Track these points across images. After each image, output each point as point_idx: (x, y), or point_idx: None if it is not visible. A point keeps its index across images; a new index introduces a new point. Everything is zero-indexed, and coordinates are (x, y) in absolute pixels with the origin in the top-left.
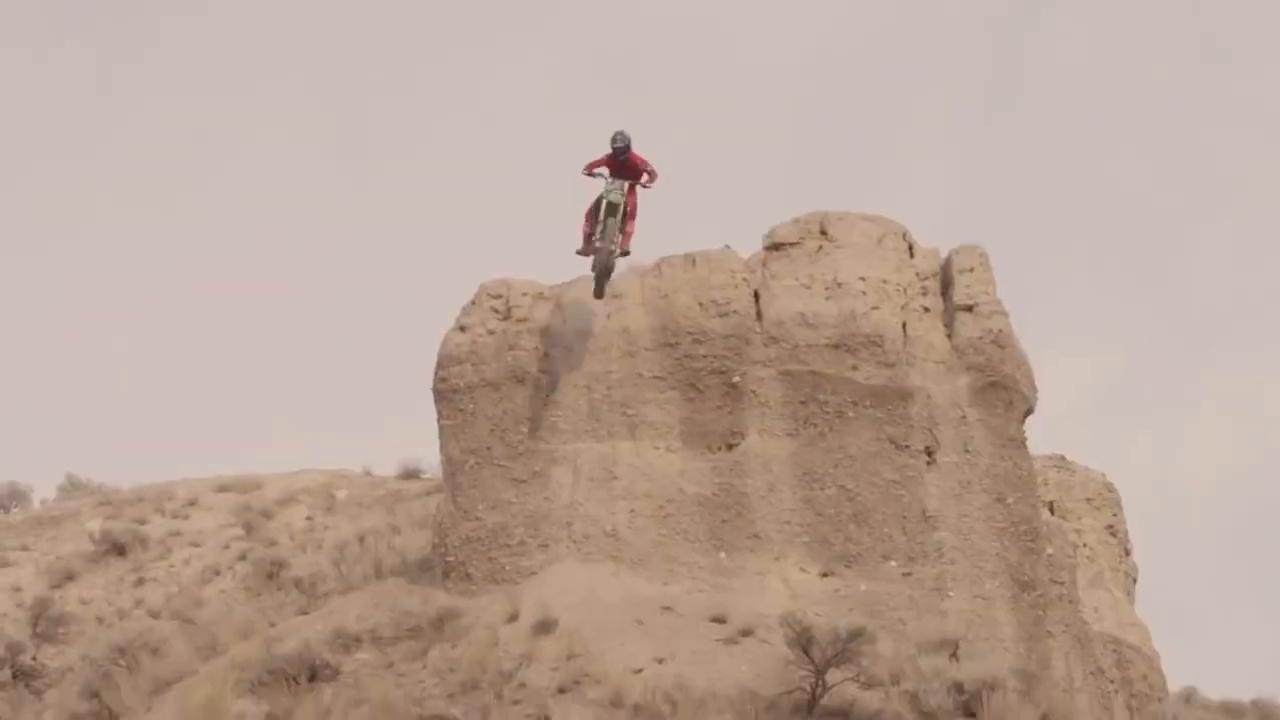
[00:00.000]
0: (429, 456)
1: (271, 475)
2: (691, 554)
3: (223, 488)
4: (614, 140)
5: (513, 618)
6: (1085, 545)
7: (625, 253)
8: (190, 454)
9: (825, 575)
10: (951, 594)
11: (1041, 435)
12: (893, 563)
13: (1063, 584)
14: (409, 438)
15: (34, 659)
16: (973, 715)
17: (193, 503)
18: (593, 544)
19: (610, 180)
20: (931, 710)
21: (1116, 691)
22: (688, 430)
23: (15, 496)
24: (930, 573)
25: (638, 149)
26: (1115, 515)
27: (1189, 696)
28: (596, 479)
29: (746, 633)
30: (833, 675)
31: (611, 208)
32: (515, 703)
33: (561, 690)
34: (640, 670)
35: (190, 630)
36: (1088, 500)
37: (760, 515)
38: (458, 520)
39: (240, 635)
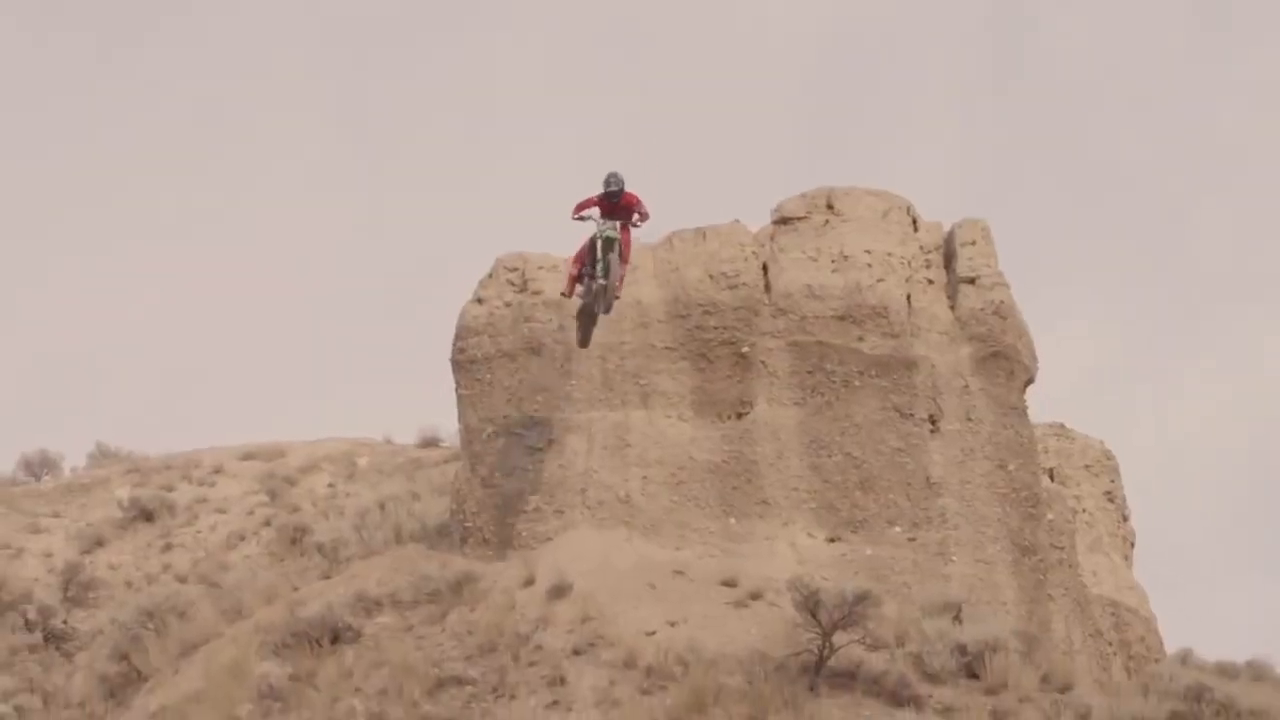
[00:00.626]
0: (448, 425)
1: (295, 443)
2: (702, 520)
3: (248, 455)
4: (608, 182)
5: (529, 582)
6: (1084, 511)
7: (615, 298)
8: (216, 423)
9: (832, 540)
10: (954, 558)
11: (1042, 404)
12: (897, 528)
13: (1063, 549)
14: (428, 407)
15: (64, 622)
16: (975, 676)
17: (219, 470)
18: (606, 510)
19: (602, 221)
20: (935, 671)
21: (1115, 653)
22: (698, 399)
23: (46, 464)
24: (934, 538)
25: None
26: (1114, 482)
27: (1185, 658)
28: (610, 447)
29: (756, 596)
30: (839, 637)
31: (609, 243)
32: (531, 664)
33: (576, 652)
34: (652, 633)
35: (216, 594)
36: (1087, 467)
37: (769, 482)
38: (475, 487)
39: (264, 599)
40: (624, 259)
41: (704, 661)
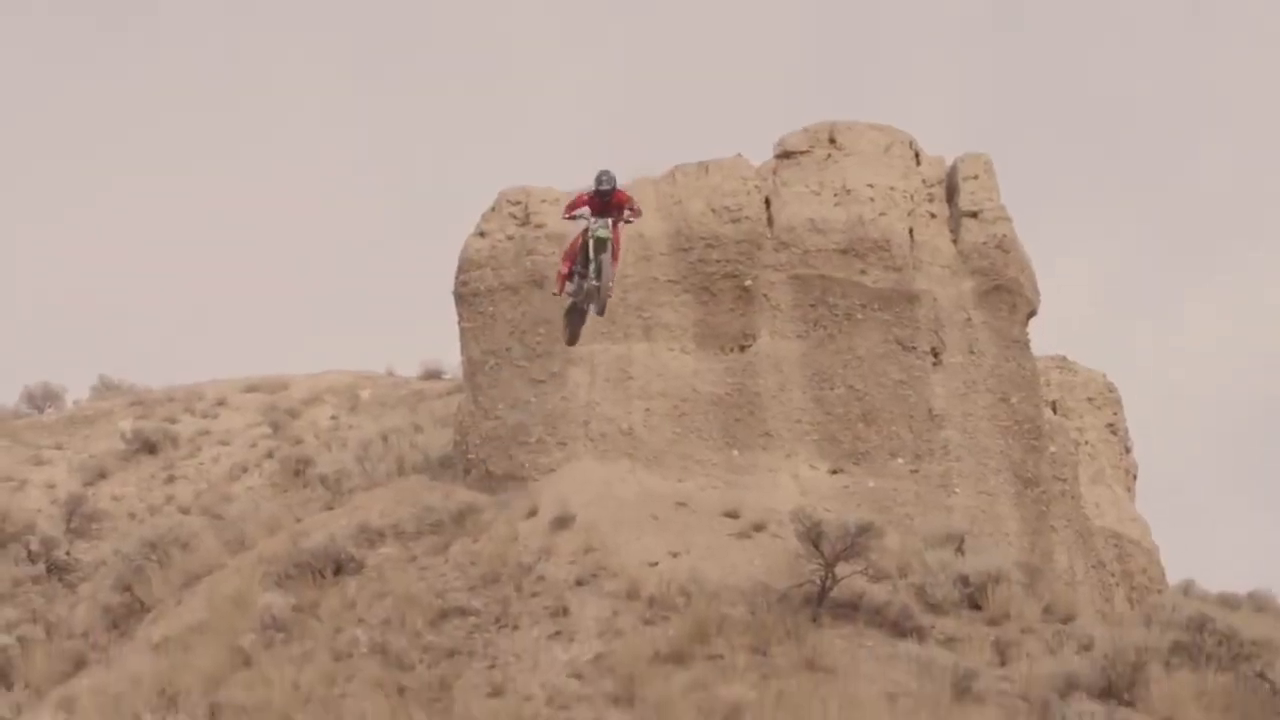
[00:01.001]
0: (450, 358)
1: (298, 376)
2: (705, 451)
3: (250, 388)
4: (600, 180)
5: (532, 513)
6: (1087, 443)
7: (607, 297)
8: (219, 356)
9: (835, 472)
10: (957, 490)
11: (1044, 337)
12: (900, 460)
13: (1065, 480)
14: (431, 340)
15: (68, 554)
16: (978, 607)
17: (221, 402)
18: (609, 442)
19: (594, 219)
20: (938, 602)
21: (1117, 584)
22: (701, 332)
23: (49, 397)
24: (936, 470)
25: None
26: (1116, 414)
27: (1187, 589)
28: (613, 379)
29: (759, 528)
30: (842, 569)
31: (600, 243)
32: (534, 595)
33: (579, 583)
34: (655, 564)
35: (219, 526)
36: (1089, 400)
37: (772, 414)
38: (478, 419)
39: (267, 530)
40: (614, 256)
41: (706, 592)
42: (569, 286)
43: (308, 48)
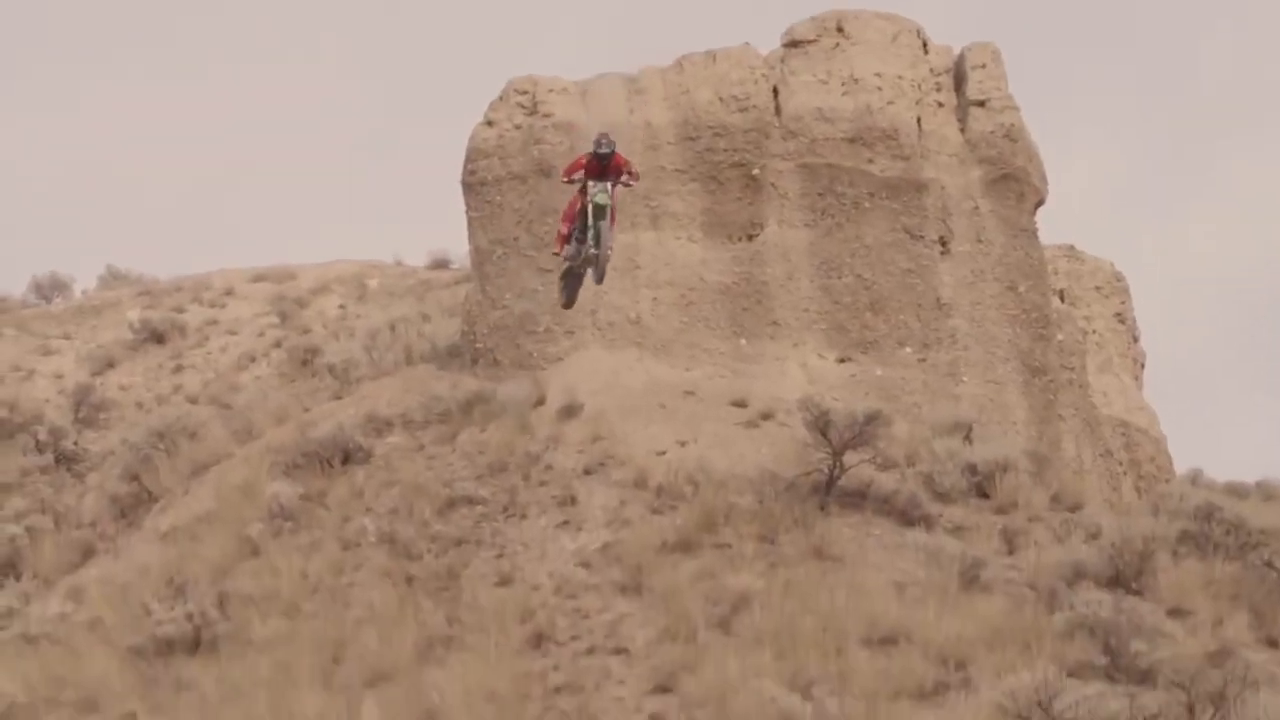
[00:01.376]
0: (458, 247)
1: (306, 266)
2: (712, 340)
3: (258, 278)
4: (599, 144)
5: (539, 402)
6: (1094, 332)
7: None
8: (227, 245)
9: (842, 361)
10: (965, 379)
11: (1052, 225)
12: (908, 349)
13: (1073, 369)
14: (439, 229)
15: (76, 444)
16: (986, 496)
17: (229, 292)
18: (617, 331)
19: (592, 184)
20: (945, 491)
21: (1125, 473)
22: (709, 221)
23: (57, 287)
24: (944, 358)
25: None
26: (1124, 303)
27: (1195, 478)
28: (620, 268)
29: (766, 416)
30: (850, 457)
31: (599, 210)
32: (542, 484)
33: (587, 472)
34: (663, 452)
35: (227, 415)
36: (1097, 289)
37: (779, 303)
38: (486, 308)
39: (275, 420)
40: (612, 218)
41: (714, 481)
42: (567, 249)
43: None
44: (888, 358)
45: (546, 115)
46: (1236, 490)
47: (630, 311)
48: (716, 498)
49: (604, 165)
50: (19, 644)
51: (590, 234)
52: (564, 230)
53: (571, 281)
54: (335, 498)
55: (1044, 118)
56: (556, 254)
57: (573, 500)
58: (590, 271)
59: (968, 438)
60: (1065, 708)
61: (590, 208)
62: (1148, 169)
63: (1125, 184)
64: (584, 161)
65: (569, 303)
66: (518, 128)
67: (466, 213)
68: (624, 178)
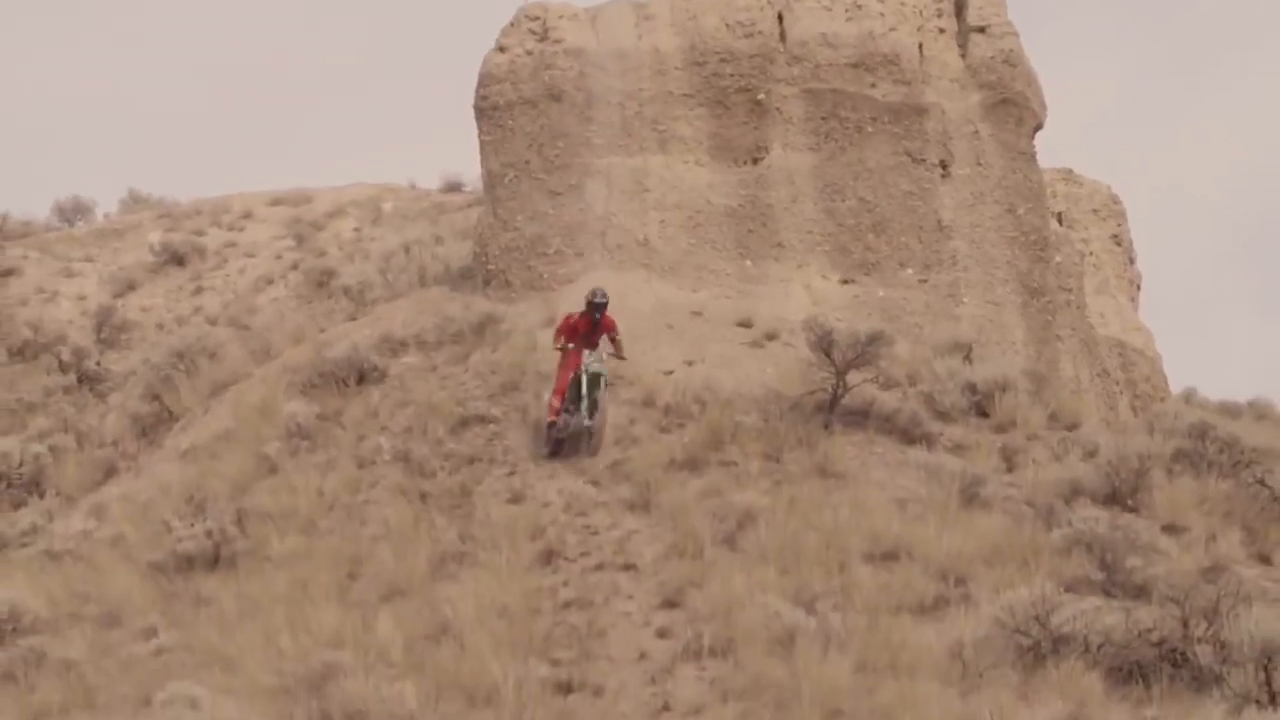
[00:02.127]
0: (471, 171)
1: (321, 189)
2: (719, 262)
3: (275, 201)
4: (595, 296)
5: (550, 323)
6: (1091, 254)
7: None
8: (246, 169)
9: (845, 282)
10: (965, 300)
11: (1050, 149)
12: (909, 270)
13: (1070, 290)
14: (452, 153)
15: (98, 364)
16: (985, 415)
17: (247, 215)
18: (625, 253)
19: (587, 354)
20: (946, 410)
21: (1121, 392)
22: (715, 145)
23: (79, 210)
24: (945, 280)
25: None
26: (1120, 225)
27: (1189, 397)
28: (629, 191)
29: (771, 337)
30: (853, 377)
31: (595, 379)
32: None
33: None
34: (671, 372)
35: (245, 336)
36: (1094, 211)
37: (784, 225)
38: (497, 231)
39: (292, 340)
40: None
41: (720, 400)
42: (560, 420)
43: None
44: (889, 279)
45: (557, 41)
46: (1230, 409)
47: (639, 234)
48: (723, 416)
49: (594, 322)
50: (43, 560)
51: (584, 405)
52: (555, 404)
53: (555, 445)
54: (351, 417)
55: (1041, 40)
56: (552, 422)
57: None
58: (584, 444)
59: (967, 358)
60: (1062, 622)
61: (585, 378)
62: (1144, 89)
63: (1122, 106)
64: (574, 322)
65: (552, 454)
66: (529, 53)
67: (479, 137)
68: (614, 347)
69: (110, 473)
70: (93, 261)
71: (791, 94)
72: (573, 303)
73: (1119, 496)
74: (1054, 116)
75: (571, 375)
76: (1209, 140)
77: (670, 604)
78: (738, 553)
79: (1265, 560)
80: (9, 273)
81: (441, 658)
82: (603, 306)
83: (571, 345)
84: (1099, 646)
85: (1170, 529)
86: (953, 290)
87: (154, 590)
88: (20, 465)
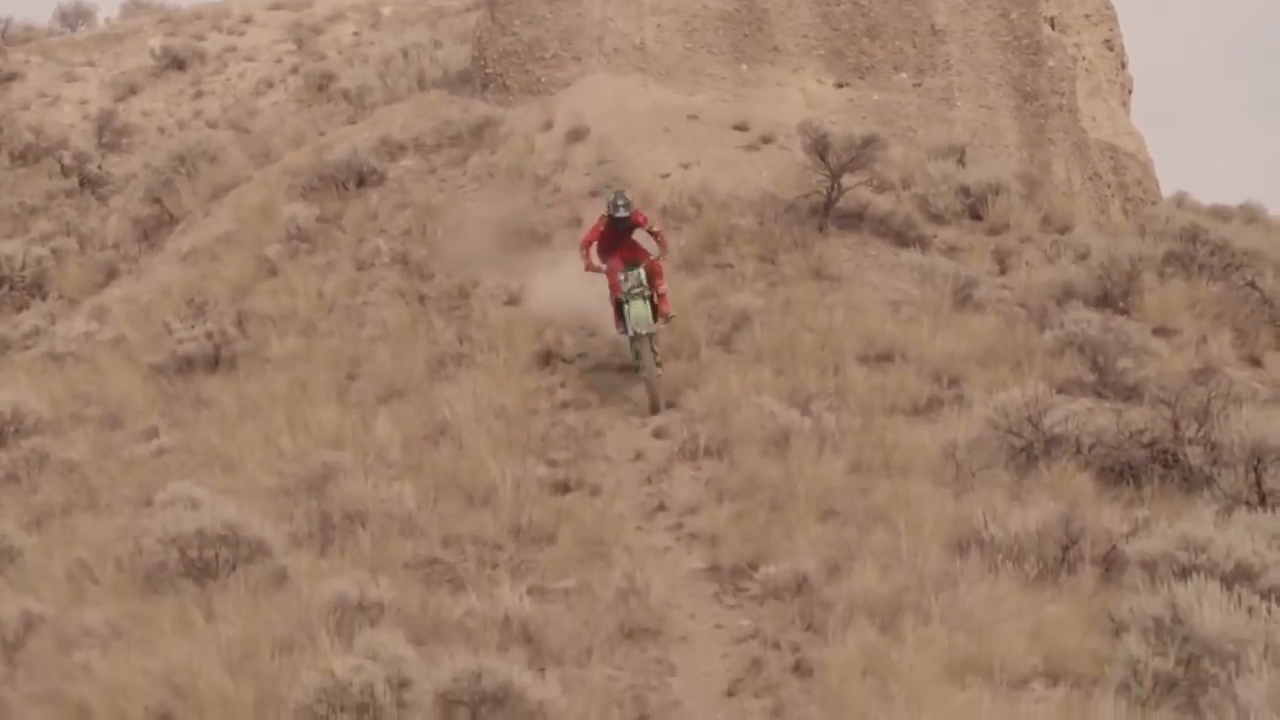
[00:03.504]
0: None
1: None
2: (715, 66)
3: (275, 5)
4: (616, 206)
5: (547, 126)
6: (1084, 59)
7: (668, 317)
8: None
9: (840, 86)
10: (958, 104)
11: None
12: (903, 74)
13: (1063, 94)
14: None
15: (100, 167)
16: (978, 217)
17: (248, 20)
18: (622, 57)
19: (624, 277)
20: (939, 212)
21: (1113, 195)
22: None
23: (81, 15)
24: (938, 84)
25: None
26: (1112, 30)
27: (1180, 201)
28: None
29: (767, 140)
30: (847, 179)
31: (639, 337)
32: (549, 206)
33: (593, 194)
34: (667, 175)
35: (245, 139)
36: (1086, 16)
37: (779, 29)
38: (496, 35)
39: (292, 143)
40: (660, 276)
41: (716, 203)
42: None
43: None
44: (884, 83)
45: None
46: (1220, 213)
47: (635, 38)
48: (719, 218)
49: (621, 231)
50: (45, 361)
51: (644, 361)
52: (615, 301)
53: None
54: (350, 219)
55: None
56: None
57: (579, 222)
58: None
59: (961, 161)
60: (1054, 422)
61: (629, 316)
62: None
63: None
64: (600, 231)
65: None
66: None
67: None
68: (658, 243)
69: (111, 275)
70: (94, 66)
71: None
72: (570, 107)
73: (1110, 299)
74: None
75: (617, 292)
76: None
77: (667, 403)
78: (733, 354)
79: (1255, 362)
80: (11, 78)
81: (439, 458)
82: (624, 219)
83: (605, 267)
84: (1090, 447)
85: (1161, 331)
86: (946, 94)
87: (155, 391)
88: (23, 268)
